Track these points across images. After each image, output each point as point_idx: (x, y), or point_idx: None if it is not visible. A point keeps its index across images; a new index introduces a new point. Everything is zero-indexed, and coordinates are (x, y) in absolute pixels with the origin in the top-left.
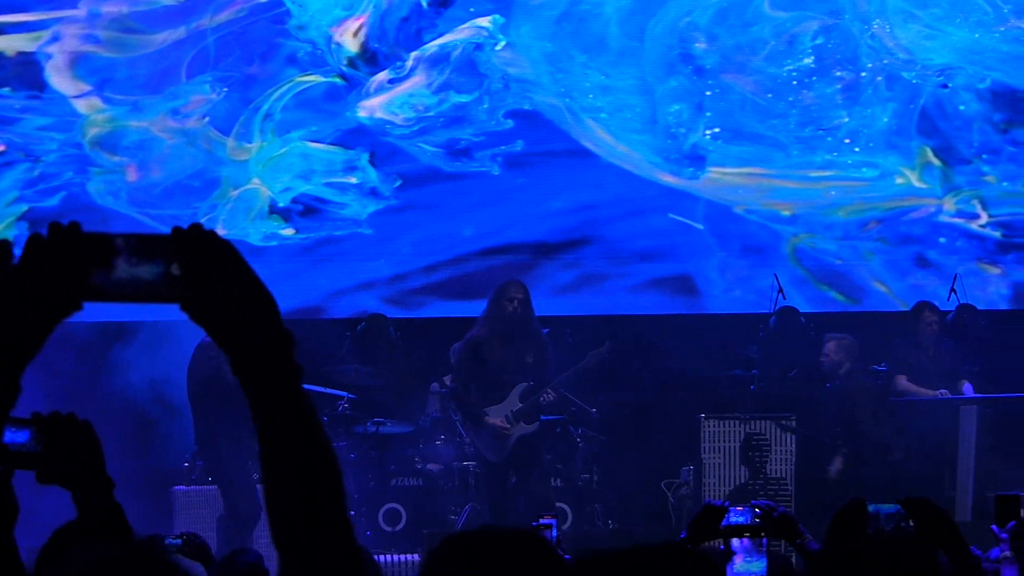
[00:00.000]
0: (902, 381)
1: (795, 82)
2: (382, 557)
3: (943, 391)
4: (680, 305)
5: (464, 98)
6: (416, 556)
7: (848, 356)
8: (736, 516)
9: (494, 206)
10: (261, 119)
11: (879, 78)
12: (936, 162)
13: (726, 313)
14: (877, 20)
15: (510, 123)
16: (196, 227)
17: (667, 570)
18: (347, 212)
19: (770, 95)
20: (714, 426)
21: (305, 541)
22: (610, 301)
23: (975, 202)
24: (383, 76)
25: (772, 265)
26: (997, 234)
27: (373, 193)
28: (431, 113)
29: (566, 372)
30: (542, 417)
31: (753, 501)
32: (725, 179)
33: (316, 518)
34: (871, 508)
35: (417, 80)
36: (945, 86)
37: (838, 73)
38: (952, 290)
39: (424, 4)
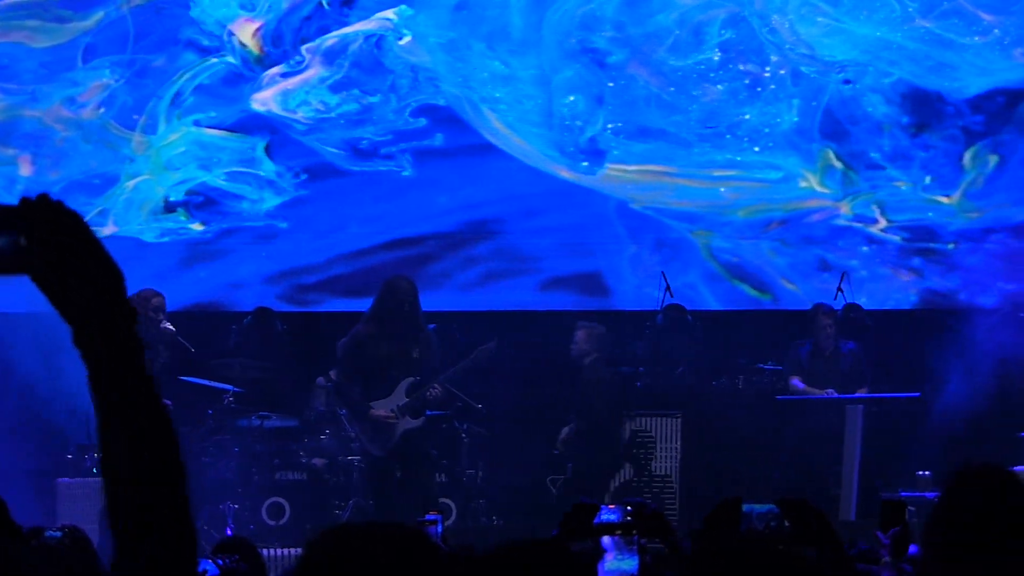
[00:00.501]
0: (794, 381)
1: (699, 76)
2: (266, 551)
3: (830, 390)
4: (588, 302)
5: (372, 99)
6: (299, 551)
7: (595, 346)
8: (608, 514)
9: (397, 200)
10: (167, 108)
11: (782, 71)
12: (838, 165)
13: (613, 310)
14: (776, 15)
15: (422, 121)
16: (43, 198)
17: (540, 567)
18: (245, 205)
19: (673, 89)
20: None
21: (141, 518)
22: (513, 297)
23: (874, 207)
24: (276, 70)
25: (684, 261)
26: (897, 238)
27: (271, 185)
28: (332, 114)
29: (452, 368)
30: (428, 412)
31: (625, 499)
32: (624, 176)
33: (154, 497)
34: (745, 508)
35: (312, 73)
36: (848, 82)
37: (743, 67)
38: (839, 289)
39: (325, 4)
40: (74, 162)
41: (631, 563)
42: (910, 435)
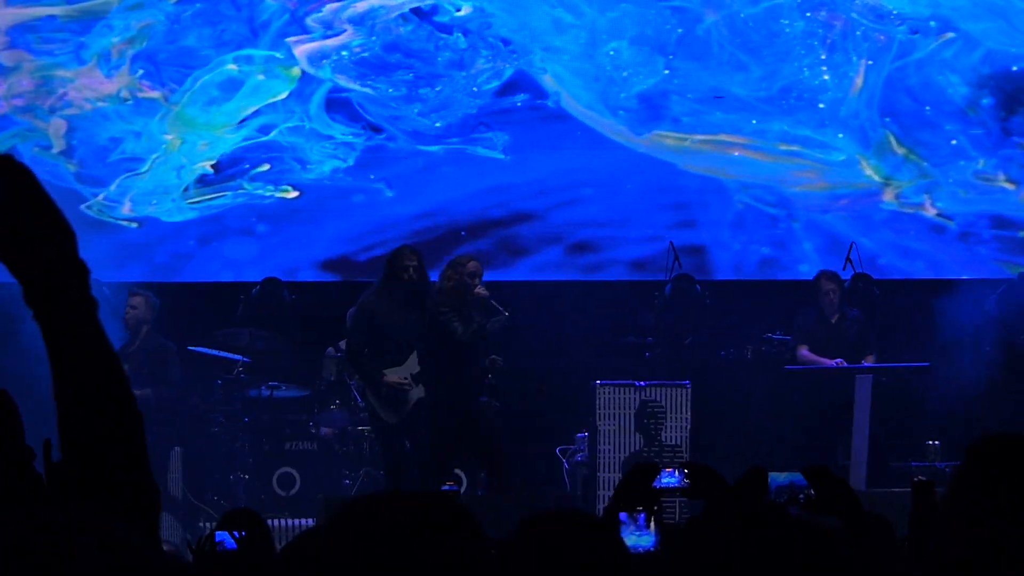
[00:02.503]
0: (803, 351)
1: (770, 30)
2: (275, 521)
3: (839, 360)
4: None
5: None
6: (310, 521)
7: (149, 315)
8: (667, 477)
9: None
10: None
11: (858, 32)
12: (900, 151)
13: (622, 280)
14: None
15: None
16: None
17: (568, 539)
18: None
19: (740, 40)
20: (609, 393)
21: (99, 474)
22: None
23: (925, 196)
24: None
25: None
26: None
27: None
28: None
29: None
30: None
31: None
32: (676, 144)
33: (109, 454)
34: (772, 478)
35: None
36: (915, 32)
37: (822, 15)
38: (848, 260)
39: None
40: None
41: (648, 539)
42: (919, 405)
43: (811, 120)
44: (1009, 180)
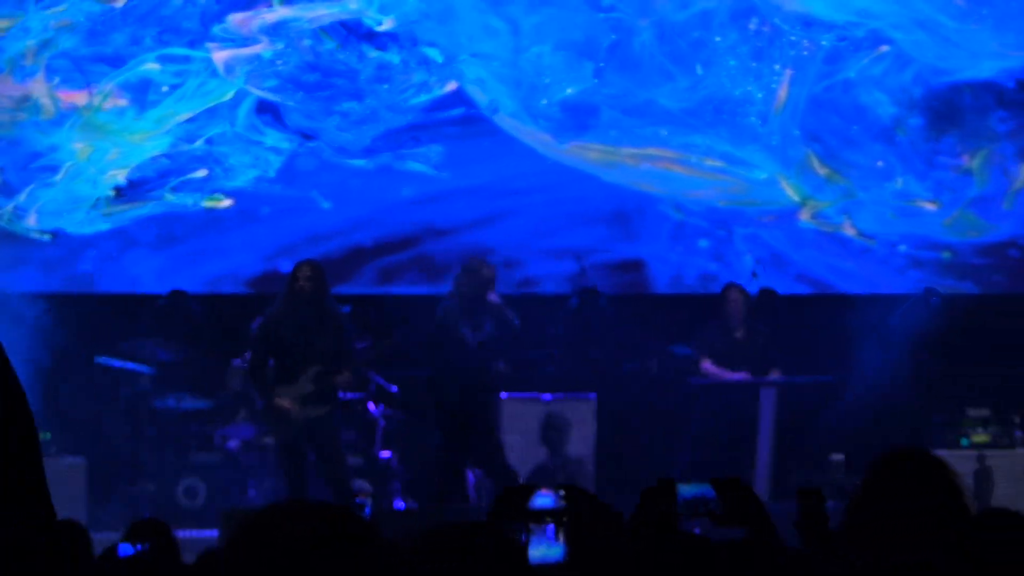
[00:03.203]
0: (706, 364)
1: (698, 39)
2: (180, 532)
3: (744, 373)
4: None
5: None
6: (215, 532)
7: None
8: (541, 498)
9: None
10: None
11: (785, 41)
12: (822, 171)
13: (529, 293)
14: None
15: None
16: None
17: (473, 550)
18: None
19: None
20: (514, 405)
21: None
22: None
23: (844, 217)
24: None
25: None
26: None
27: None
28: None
29: (366, 351)
30: (340, 395)
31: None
32: (603, 157)
33: (7, 469)
34: (681, 490)
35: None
36: (844, 40)
37: (752, 24)
38: (753, 274)
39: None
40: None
41: (557, 550)
42: (823, 419)
43: (734, 136)
44: (934, 201)
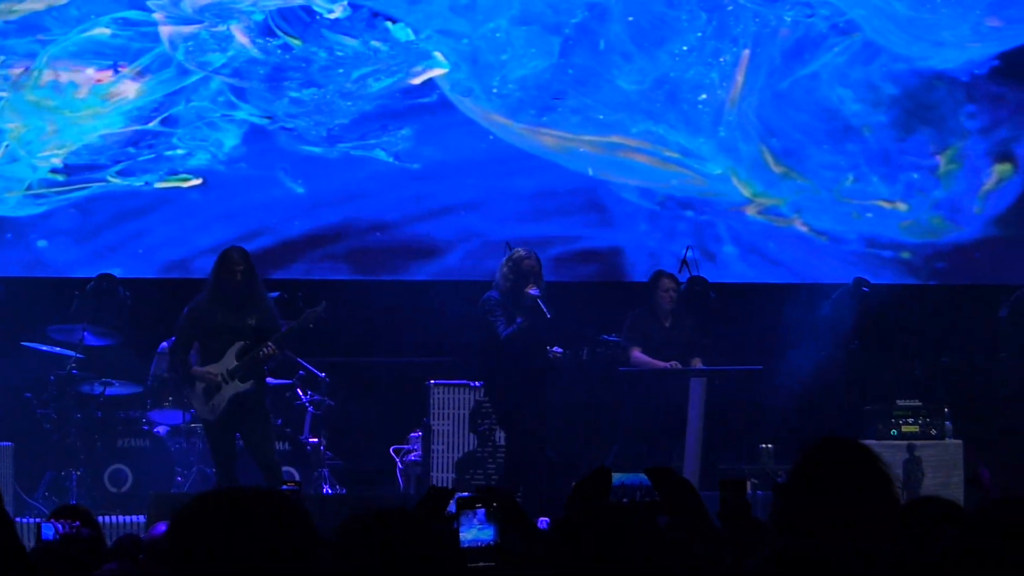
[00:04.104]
0: (636, 353)
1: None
2: (106, 518)
3: (674, 363)
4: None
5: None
6: (142, 517)
7: None
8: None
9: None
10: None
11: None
12: (777, 169)
13: (463, 280)
14: None
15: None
16: None
17: (399, 536)
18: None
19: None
20: (443, 393)
21: None
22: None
23: (795, 214)
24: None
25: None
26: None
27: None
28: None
29: (283, 329)
30: (271, 381)
31: (477, 485)
32: (563, 144)
33: None
34: (615, 478)
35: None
36: (811, 16)
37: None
38: (684, 262)
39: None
40: None
41: (488, 532)
42: (753, 408)
43: (690, 127)
44: (899, 202)
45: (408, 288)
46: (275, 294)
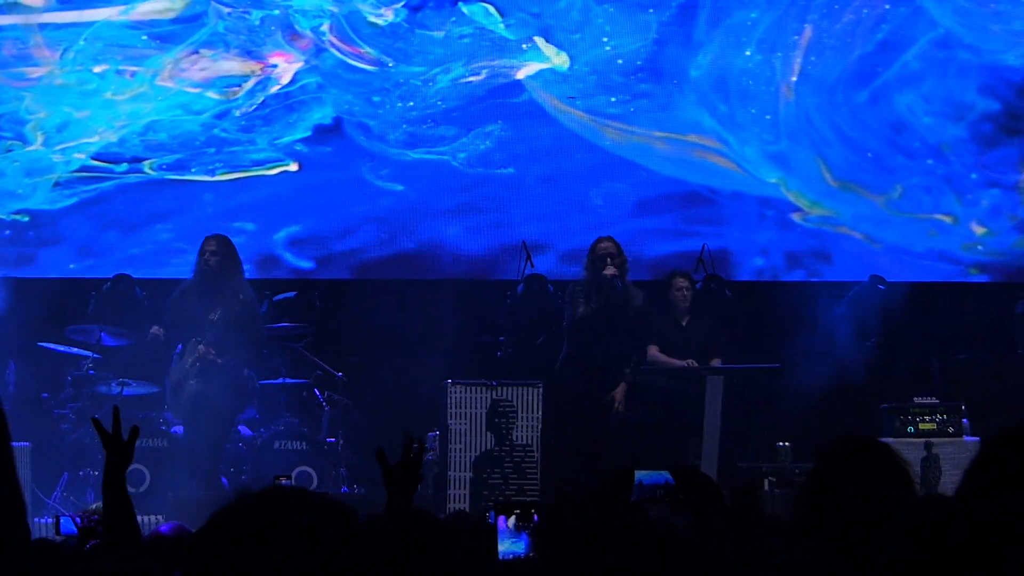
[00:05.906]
0: (652, 351)
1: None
2: None
3: (690, 361)
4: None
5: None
6: (160, 518)
7: None
8: (649, 478)
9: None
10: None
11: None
12: (834, 184)
13: (473, 279)
14: None
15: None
16: None
17: (435, 539)
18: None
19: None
20: (460, 392)
21: None
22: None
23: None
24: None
25: None
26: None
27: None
28: None
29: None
30: (288, 380)
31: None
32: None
33: None
34: (637, 476)
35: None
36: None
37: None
38: (700, 260)
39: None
40: None
41: (521, 545)
42: (771, 406)
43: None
44: (979, 223)
45: (421, 287)
46: (292, 294)
